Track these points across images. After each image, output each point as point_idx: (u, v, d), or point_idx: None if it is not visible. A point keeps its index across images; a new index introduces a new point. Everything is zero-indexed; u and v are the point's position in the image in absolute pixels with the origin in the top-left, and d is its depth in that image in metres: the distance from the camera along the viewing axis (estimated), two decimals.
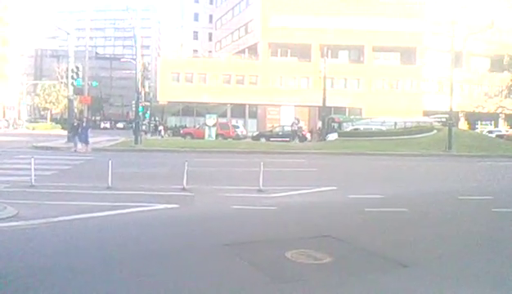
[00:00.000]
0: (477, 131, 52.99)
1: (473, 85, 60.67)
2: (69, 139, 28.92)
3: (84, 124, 27.93)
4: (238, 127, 49.57)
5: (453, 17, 33.38)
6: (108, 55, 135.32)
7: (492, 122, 60.66)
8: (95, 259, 6.60)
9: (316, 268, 6.34)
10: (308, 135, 46.95)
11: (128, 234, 8.38)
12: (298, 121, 45.92)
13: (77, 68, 30.97)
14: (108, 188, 12.79)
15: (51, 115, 76.21)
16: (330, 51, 54.96)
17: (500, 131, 51.00)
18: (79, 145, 26.19)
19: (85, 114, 39.21)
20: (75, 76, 30.81)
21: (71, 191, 12.54)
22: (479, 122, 60.23)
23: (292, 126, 43.84)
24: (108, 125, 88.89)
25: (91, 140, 27.95)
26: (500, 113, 44.54)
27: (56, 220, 9.11)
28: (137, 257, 6.71)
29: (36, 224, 8.76)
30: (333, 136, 40.40)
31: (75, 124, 27.82)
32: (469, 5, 60.27)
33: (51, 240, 7.91)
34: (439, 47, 55.21)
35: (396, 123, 43.65)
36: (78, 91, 33.57)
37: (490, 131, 50.77)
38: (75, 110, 54.19)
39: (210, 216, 10.21)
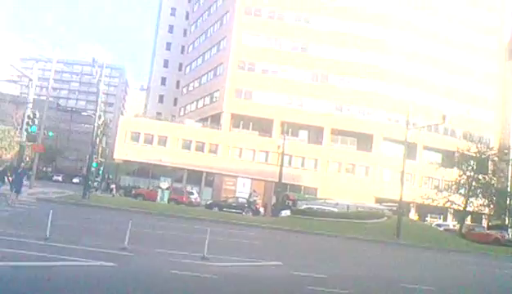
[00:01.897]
0: (426, 223, 54.16)
1: (424, 177, 62.77)
2: None
3: (20, 170, 24.05)
4: (193, 194, 48.99)
5: (407, 110, 34.81)
6: (70, 108, 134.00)
7: (441, 216, 62.27)
8: None
9: None
10: (262, 210, 46.81)
11: (55, 288, 7.89)
12: (255, 193, 45.95)
13: (34, 114, 30.35)
14: (45, 239, 12.18)
15: (5, 162, 73.70)
16: (290, 129, 56.27)
17: (447, 226, 52.30)
18: (12, 196, 21.85)
19: (35, 163, 37.92)
20: (31, 122, 30.11)
21: (4, 237, 11.88)
22: (429, 215, 61.70)
23: (249, 196, 43.77)
24: (60, 178, 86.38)
25: (37, 189, 26.94)
26: (449, 207, 45.91)
27: None
28: None
29: None
30: (286, 213, 40.41)
31: (1, 169, 24.04)
32: (424, 99, 63.60)
33: None
34: (394, 137, 57.33)
35: (348, 206, 44.16)
36: (32, 139, 32.83)
37: (438, 225, 52.00)
38: (27, 158, 52.84)
39: (145, 279, 9.78)
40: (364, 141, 65.45)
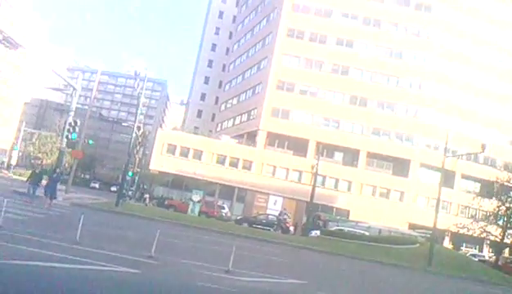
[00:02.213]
0: (460, 252, 52.66)
1: (461, 206, 61.17)
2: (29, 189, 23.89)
3: (55, 175, 23.85)
4: (224, 208, 49.21)
5: (446, 137, 34.25)
6: (111, 118, 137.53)
7: (477, 247, 60.42)
8: None
9: None
10: (292, 228, 46.56)
11: (77, 290, 8.08)
12: (286, 212, 45.80)
13: (75, 122, 31.21)
14: (75, 242, 12.47)
15: (42, 165, 75.98)
16: (325, 150, 55.97)
17: (483, 256, 50.62)
18: (47, 200, 21.87)
19: (73, 169, 38.94)
20: (72, 129, 30.95)
21: (36, 238, 12.25)
22: (464, 244, 59.97)
23: (280, 214, 43.65)
24: (97, 185, 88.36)
25: (73, 195, 27.58)
26: (485, 238, 44.44)
27: (7, 262, 8.82)
28: None
29: None
30: (316, 233, 40.03)
31: (37, 171, 23.88)
32: (463, 127, 62.33)
33: None
34: (432, 164, 56.28)
35: (380, 230, 43.39)
36: (71, 145, 33.69)
37: (473, 255, 50.39)
38: (66, 164, 54.33)
39: (166, 287, 9.87)
40: (400, 166, 64.52)
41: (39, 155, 73.34)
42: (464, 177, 64.55)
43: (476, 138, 54.91)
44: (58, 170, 26.05)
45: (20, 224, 14.29)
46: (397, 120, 63.87)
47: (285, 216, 46.32)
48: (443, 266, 29.43)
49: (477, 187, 59.84)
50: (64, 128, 32.26)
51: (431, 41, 65.83)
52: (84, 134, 40.25)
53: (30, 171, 25.36)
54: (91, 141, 51.39)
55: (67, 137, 31.27)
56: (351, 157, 65.10)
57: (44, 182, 22.51)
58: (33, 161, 76.28)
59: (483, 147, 33.36)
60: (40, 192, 21.95)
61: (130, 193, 51.36)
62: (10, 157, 70.53)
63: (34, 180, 22.43)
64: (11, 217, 14.84)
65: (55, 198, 22.10)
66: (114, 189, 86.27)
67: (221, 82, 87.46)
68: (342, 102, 64.61)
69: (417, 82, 64.96)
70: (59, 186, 31.01)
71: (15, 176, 56.98)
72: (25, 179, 23.22)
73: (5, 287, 7.11)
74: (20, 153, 76.59)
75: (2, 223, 12.87)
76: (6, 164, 68.04)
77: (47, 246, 11.40)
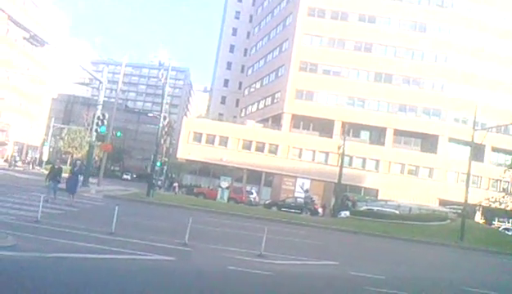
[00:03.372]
0: (492, 227, 51.92)
1: (492, 180, 60.08)
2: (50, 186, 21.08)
3: (76, 169, 22.62)
4: (252, 193, 49.55)
5: (475, 110, 33.71)
6: (137, 110, 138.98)
7: (510, 221, 59.43)
8: None
9: None
10: (320, 210, 46.63)
11: (115, 278, 8.40)
12: (309, 194, 45.76)
13: (103, 115, 31.71)
14: (110, 233, 12.85)
15: (72, 160, 77.45)
16: (351, 130, 55.59)
17: None
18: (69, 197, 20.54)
19: (103, 162, 39.63)
20: (100, 123, 31.49)
21: (73, 231, 12.67)
22: (496, 219, 59.08)
23: (305, 198, 43.76)
24: (129, 177, 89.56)
25: (105, 187, 28.04)
26: None
27: (50, 255, 9.20)
28: None
29: (28, 257, 8.87)
30: (345, 214, 40.04)
31: (56, 167, 22.16)
32: (492, 99, 61.04)
33: (37, 274, 7.95)
34: (461, 138, 55.43)
35: (411, 208, 43.15)
36: (101, 138, 34.28)
37: (506, 229, 49.63)
38: (96, 158, 55.34)
39: (203, 273, 10.17)
40: (428, 142, 63.68)
41: (69, 150, 74.76)
42: (495, 150, 63.29)
43: (505, 109, 53.84)
44: (79, 162, 25.41)
45: (57, 218, 14.75)
46: (423, 95, 62.87)
47: (311, 199, 46.24)
48: (476, 241, 29.21)
49: (508, 160, 58.55)
50: (92, 122, 32.77)
51: (456, 11, 64.34)
52: (112, 126, 40.81)
53: (49, 167, 23.61)
54: (119, 133, 52.04)
55: (96, 131, 31.81)
56: (377, 135, 64.54)
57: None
58: (64, 156, 77.91)
59: None
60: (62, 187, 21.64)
61: (159, 182, 52.05)
62: (41, 153, 72.03)
63: (54, 175, 21.04)
64: (48, 212, 15.34)
65: (75, 192, 21.06)
66: (127, 177, 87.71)
67: (243, 67, 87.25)
68: (366, 80, 63.93)
69: (443, 54, 63.68)
70: (90, 179, 31.63)
71: (46, 172, 58.33)
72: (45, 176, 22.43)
73: (49, 280, 7.46)
74: (51, 149, 78.27)
75: (40, 218, 13.32)
76: (38, 160, 69.60)
77: (85, 238, 11.79)
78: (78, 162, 25.97)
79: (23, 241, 10.04)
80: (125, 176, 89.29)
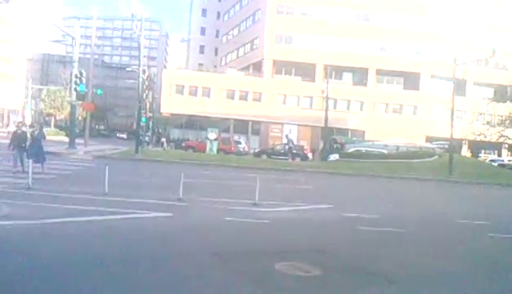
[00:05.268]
0: (479, 159, 52.92)
1: (476, 113, 60.75)
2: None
3: (37, 132, 18.77)
4: (240, 143, 49.51)
5: (455, 45, 33.61)
6: (114, 65, 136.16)
7: (496, 152, 60.61)
8: (77, 262, 6.57)
9: (304, 280, 6.32)
10: (310, 155, 46.92)
11: (117, 239, 8.38)
12: (291, 139, 45.72)
13: (80, 73, 30.85)
14: (104, 194, 12.77)
15: (56, 121, 76.45)
16: (334, 72, 55.16)
17: (502, 161, 50.82)
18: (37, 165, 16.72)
19: (87, 121, 39.06)
20: (78, 81, 30.65)
21: (67, 195, 12.54)
22: (482, 151, 60.19)
23: (287, 143, 43.81)
24: (125, 136, 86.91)
25: (92, 147, 27.73)
26: (503, 142, 44.38)
27: (47, 221, 9.12)
28: (124, 261, 6.70)
29: (25, 225, 8.79)
30: (334, 157, 40.34)
31: (19, 132, 18.29)
32: (471, 33, 60.82)
33: (37, 241, 7.89)
34: (443, 74, 55.47)
35: (398, 147, 43.57)
36: (81, 98, 33.47)
37: (492, 160, 50.61)
38: (79, 118, 54.48)
39: (202, 226, 10.21)
40: (411, 80, 63.75)
41: (51, 111, 73.60)
42: (477, 84, 63.63)
43: (485, 43, 53.63)
44: (36, 125, 21.25)
45: (48, 183, 14.62)
46: (403, 33, 62.25)
47: (292, 143, 45.80)
48: (464, 174, 29.78)
49: (490, 93, 59.02)
50: (70, 81, 31.91)
51: None
52: (91, 84, 39.99)
53: (12, 132, 19.60)
54: (99, 91, 50.88)
55: (75, 90, 31.00)
56: (360, 76, 64.35)
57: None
58: (47, 118, 76.68)
59: (493, 51, 32.80)
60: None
61: (147, 138, 51.70)
62: (24, 116, 70.84)
63: (18, 142, 17.59)
64: (39, 177, 15.17)
65: (44, 161, 17.61)
66: (122, 136, 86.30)
67: (219, 13, 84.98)
68: (345, 20, 62.84)
69: None
70: (77, 140, 31.11)
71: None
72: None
73: (49, 246, 7.40)
74: (33, 112, 76.93)
75: (32, 184, 13.17)
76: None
77: (79, 201, 11.70)
78: (37, 125, 22.59)
79: (16, 209, 9.94)
80: (121, 135, 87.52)
